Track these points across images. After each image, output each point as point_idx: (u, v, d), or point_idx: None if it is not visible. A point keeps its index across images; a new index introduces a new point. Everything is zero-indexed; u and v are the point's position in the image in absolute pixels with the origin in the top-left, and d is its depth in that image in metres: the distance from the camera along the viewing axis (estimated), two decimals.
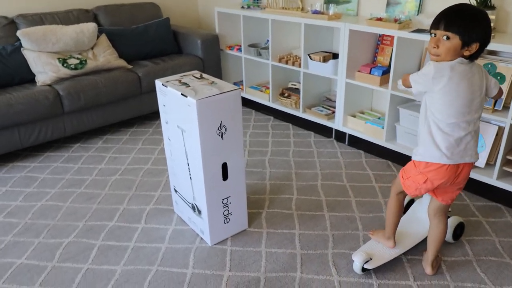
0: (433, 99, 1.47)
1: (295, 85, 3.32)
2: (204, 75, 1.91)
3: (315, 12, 2.85)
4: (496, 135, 2.18)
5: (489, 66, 2.14)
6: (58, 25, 3.04)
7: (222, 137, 1.76)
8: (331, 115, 2.98)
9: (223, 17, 3.60)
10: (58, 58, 2.92)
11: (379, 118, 2.83)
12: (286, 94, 3.29)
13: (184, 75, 1.92)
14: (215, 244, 1.94)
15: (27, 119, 2.68)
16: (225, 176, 1.84)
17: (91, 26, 3.10)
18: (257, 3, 3.52)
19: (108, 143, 3.02)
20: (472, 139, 1.50)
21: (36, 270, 1.82)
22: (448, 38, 1.41)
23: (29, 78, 2.89)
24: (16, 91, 2.71)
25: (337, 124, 2.90)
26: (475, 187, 2.26)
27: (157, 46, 3.48)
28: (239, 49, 3.54)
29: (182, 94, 1.69)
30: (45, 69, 2.85)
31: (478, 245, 1.90)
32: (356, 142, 2.87)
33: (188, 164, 1.85)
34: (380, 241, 1.83)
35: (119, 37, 3.30)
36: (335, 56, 2.90)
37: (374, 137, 2.70)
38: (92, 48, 3.12)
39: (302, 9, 3.06)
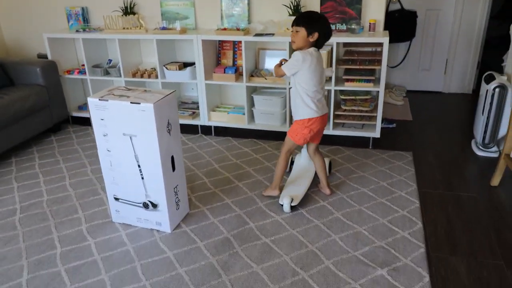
0: (302, 76, 2.21)
1: None
2: (130, 87, 2.15)
3: (164, 28, 3.27)
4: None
5: None
6: None
7: (169, 133, 2.07)
8: (194, 115, 3.46)
9: (53, 43, 3.55)
10: None
11: (233, 108, 3.48)
12: None
13: (111, 90, 2.10)
14: (174, 230, 2.21)
15: None
16: (173, 167, 2.14)
17: None
18: (88, 26, 3.63)
19: None
20: (324, 99, 2.33)
21: None
22: (297, 31, 2.19)
23: None
24: None
25: (202, 120, 3.42)
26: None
27: None
28: (80, 72, 3.58)
29: (131, 102, 1.92)
30: None
31: (341, 172, 2.79)
32: (221, 132, 3.45)
33: (139, 166, 2.07)
34: (270, 193, 2.48)
35: None
36: (185, 64, 3.39)
37: (238, 123, 3.35)
38: None
39: (143, 28, 3.39)
